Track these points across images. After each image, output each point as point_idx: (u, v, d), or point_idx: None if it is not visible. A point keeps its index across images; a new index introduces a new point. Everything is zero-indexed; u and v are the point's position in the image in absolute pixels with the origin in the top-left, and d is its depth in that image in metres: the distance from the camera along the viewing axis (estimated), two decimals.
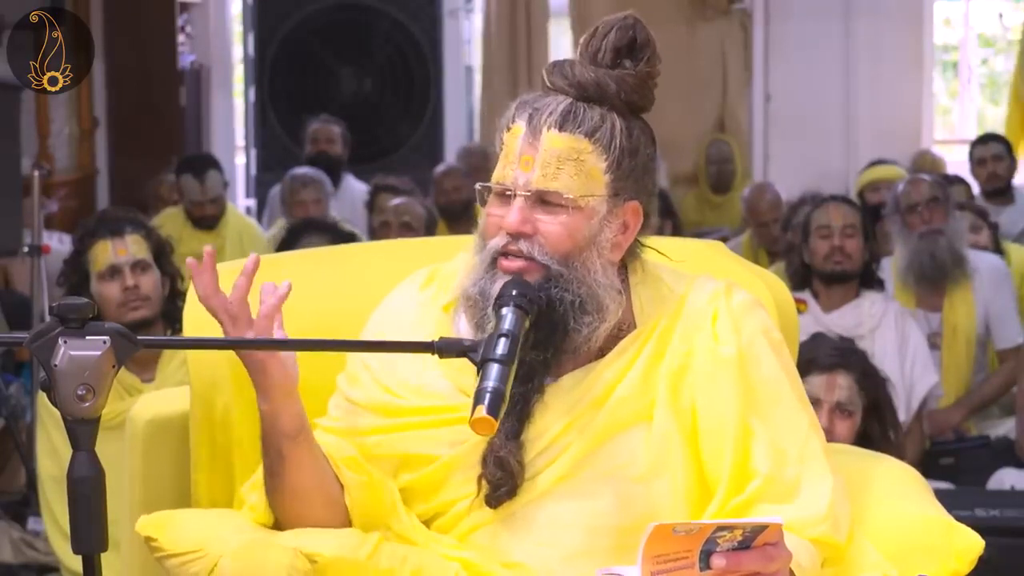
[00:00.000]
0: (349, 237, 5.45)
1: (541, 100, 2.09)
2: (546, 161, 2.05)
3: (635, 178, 2.10)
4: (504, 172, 2.08)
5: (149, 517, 2.15)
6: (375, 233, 6.15)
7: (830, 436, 3.29)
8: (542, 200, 2.06)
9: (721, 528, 1.80)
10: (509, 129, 2.09)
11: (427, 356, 1.97)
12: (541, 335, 2.04)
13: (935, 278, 5.08)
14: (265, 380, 2.04)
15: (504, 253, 2.06)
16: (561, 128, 2.05)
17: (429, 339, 1.93)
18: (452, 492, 2.13)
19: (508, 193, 2.07)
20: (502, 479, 2.08)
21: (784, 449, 2.09)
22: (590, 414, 2.10)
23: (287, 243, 5.23)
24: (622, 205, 2.09)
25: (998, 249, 5.69)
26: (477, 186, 2.12)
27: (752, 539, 1.82)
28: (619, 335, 2.13)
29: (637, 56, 2.10)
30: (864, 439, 3.47)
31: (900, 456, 2.84)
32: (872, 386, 3.56)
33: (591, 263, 2.07)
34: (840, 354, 3.58)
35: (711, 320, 2.13)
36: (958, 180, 6.89)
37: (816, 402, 3.42)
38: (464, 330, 2.12)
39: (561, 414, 2.10)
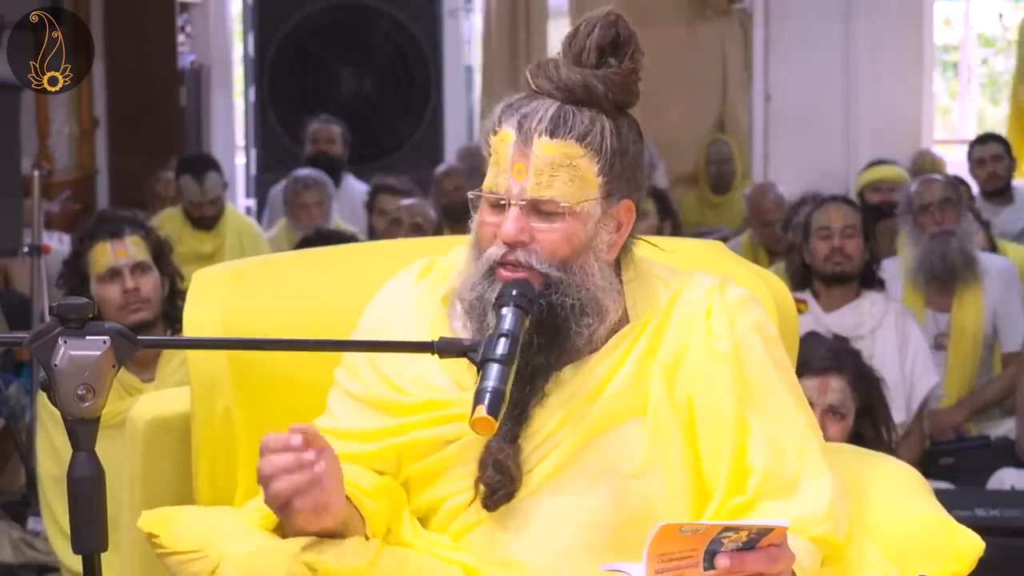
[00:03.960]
0: (350, 240, 5.44)
1: (528, 104, 2.06)
2: (539, 169, 2.02)
3: (626, 177, 2.08)
4: (496, 181, 2.06)
5: (151, 513, 2.15)
6: (382, 232, 6.12)
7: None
8: (537, 208, 2.04)
9: (727, 529, 1.80)
10: (496, 134, 2.07)
11: None
12: (544, 340, 2.04)
13: (945, 279, 5.09)
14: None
15: (502, 264, 2.05)
16: (552, 135, 2.02)
17: (428, 330, 1.92)
18: (447, 487, 2.12)
19: (502, 202, 2.05)
20: (500, 483, 2.08)
21: (781, 445, 2.09)
22: (584, 408, 2.09)
23: None
24: (615, 205, 2.08)
25: (993, 248, 5.70)
26: (469, 194, 2.10)
27: (757, 540, 1.82)
28: (613, 329, 2.12)
29: (621, 53, 2.08)
30: (857, 438, 3.47)
31: (894, 454, 2.83)
32: (865, 388, 3.55)
33: (589, 266, 2.06)
34: (833, 356, 3.56)
35: (705, 315, 2.12)
36: (958, 180, 6.89)
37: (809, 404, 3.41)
38: (460, 323, 2.11)
39: (556, 408, 2.09)
